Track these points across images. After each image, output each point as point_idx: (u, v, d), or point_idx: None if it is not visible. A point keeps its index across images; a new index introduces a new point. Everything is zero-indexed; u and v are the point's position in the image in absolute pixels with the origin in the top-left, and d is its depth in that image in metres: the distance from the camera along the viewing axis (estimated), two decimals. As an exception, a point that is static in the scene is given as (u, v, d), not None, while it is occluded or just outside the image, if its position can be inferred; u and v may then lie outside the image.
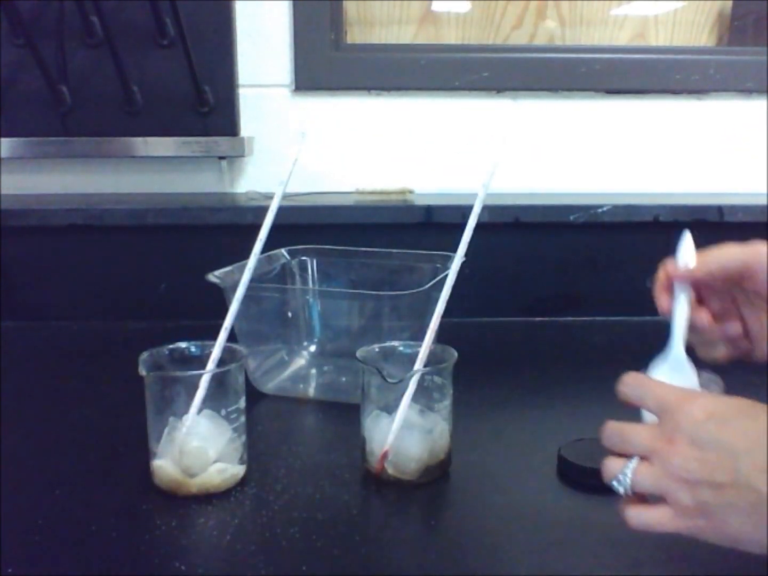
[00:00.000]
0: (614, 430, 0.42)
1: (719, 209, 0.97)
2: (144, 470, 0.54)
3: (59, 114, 1.00)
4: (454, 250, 0.58)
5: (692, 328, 0.51)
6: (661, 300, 0.52)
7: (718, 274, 0.50)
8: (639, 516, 0.41)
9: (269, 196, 0.94)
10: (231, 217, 0.96)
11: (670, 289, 0.52)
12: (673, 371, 0.50)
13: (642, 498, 0.41)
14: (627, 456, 0.41)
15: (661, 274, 0.52)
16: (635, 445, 0.41)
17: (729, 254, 0.49)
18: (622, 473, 0.40)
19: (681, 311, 0.51)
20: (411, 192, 1.07)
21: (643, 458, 0.40)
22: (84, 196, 1.07)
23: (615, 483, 0.41)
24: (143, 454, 0.54)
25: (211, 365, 0.54)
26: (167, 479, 0.52)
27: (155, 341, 0.57)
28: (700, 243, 0.81)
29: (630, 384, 0.44)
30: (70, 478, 0.55)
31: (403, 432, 0.53)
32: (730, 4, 1.21)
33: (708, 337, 0.52)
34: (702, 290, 0.52)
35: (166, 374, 0.55)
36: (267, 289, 0.71)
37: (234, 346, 0.57)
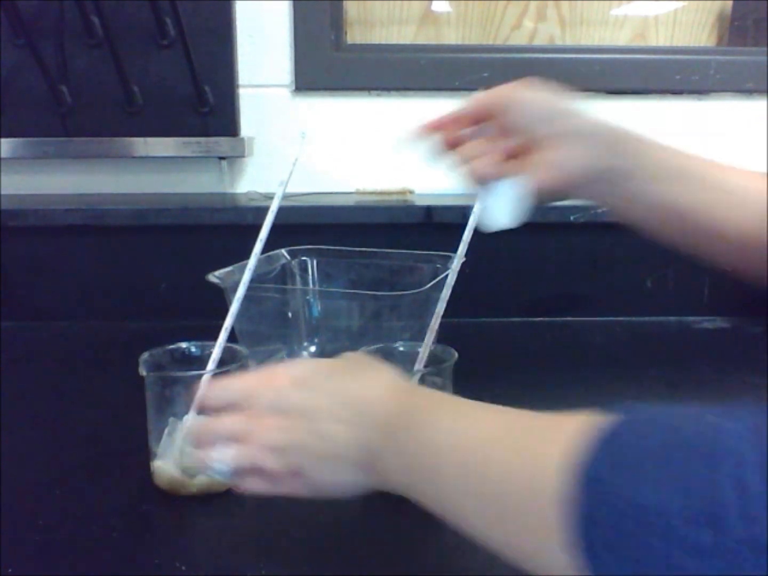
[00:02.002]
0: (201, 430, 0.44)
1: (719, 209, 0.97)
2: (144, 470, 0.54)
3: (59, 114, 1.00)
4: (454, 250, 0.58)
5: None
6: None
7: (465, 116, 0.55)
8: (246, 484, 0.43)
9: (269, 197, 0.95)
10: (231, 217, 0.96)
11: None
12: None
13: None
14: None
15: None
16: (223, 433, 0.43)
17: (476, 99, 0.54)
18: (219, 460, 0.42)
19: None
20: (411, 192, 1.07)
21: (237, 440, 0.42)
22: (84, 196, 1.07)
23: (214, 473, 0.43)
24: (143, 454, 0.54)
25: (211, 365, 0.54)
26: (167, 479, 0.52)
27: (155, 341, 0.57)
28: None
29: (213, 392, 0.46)
30: (70, 478, 0.55)
31: (403, 432, 0.53)
32: (730, 4, 1.21)
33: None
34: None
35: (166, 374, 0.55)
36: (267, 290, 0.71)
37: (235, 346, 0.57)
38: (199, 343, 0.58)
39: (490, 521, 0.32)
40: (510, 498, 0.31)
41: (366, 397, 0.40)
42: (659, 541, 0.25)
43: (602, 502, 0.27)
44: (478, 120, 0.55)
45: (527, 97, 0.52)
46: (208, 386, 0.47)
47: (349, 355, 0.45)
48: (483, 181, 0.54)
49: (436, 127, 0.56)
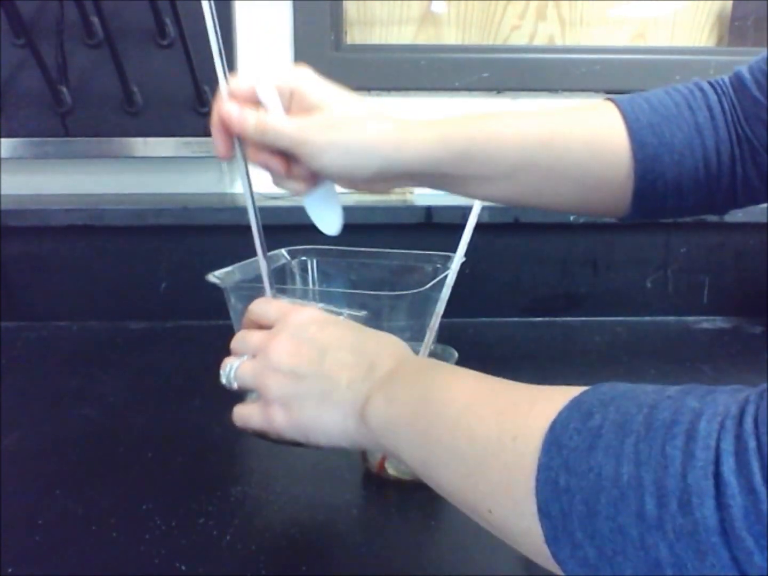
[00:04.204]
0: (239, 336, 0.46)
1: (719, 209, 0.97)
2: (144, 470, 0.54)
3: (59, 114, 1.00)
4: (454, 251, 0.58)
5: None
6: (217, 141, 0.48)
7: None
8: (238, 411, 0.45)
9: (269, 196, 0.95)
10: (231, 217, 0.96)
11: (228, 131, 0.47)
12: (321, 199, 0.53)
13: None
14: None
15: (215, 117, 0.47)
16: (249, 344, 0.45)
17: (280, 137, 0.46)
18: (229, 367, 0.44)
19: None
20: (411, 192, 1.07)
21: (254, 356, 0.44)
22: (84, 196, 1.07)
23: (222, 376, 0.45)
24: (143, 454, 0.54)
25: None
26: None
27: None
28: (700, 244, 0.79)
29: (258, 303, 0.47)
30: (70, 478, 0.55)
31: (403, 432, 0.53)
32: (730, 4, 1.21)
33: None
34: None
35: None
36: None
37: None
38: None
39: (461, 475, 0.33)
40: (487, 454, 0.31)
41: (375, 353, 0.41)
42: (621, 515, 0.25)
43: (562, 465, 0.28)
44: None
45: (333, 164, 0.46)
46: (256, 301, 0.47)
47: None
48: (300, 194, 0.52)
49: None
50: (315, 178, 0.50)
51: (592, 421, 0.28)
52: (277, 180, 0.50)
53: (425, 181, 0.50)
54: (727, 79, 0.52)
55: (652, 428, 0.26)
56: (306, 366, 0.41)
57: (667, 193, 0.50)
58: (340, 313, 0.50)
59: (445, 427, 0.34)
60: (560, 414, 0.29)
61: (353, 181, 0.49)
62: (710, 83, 0.52)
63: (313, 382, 0.41)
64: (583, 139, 0.50)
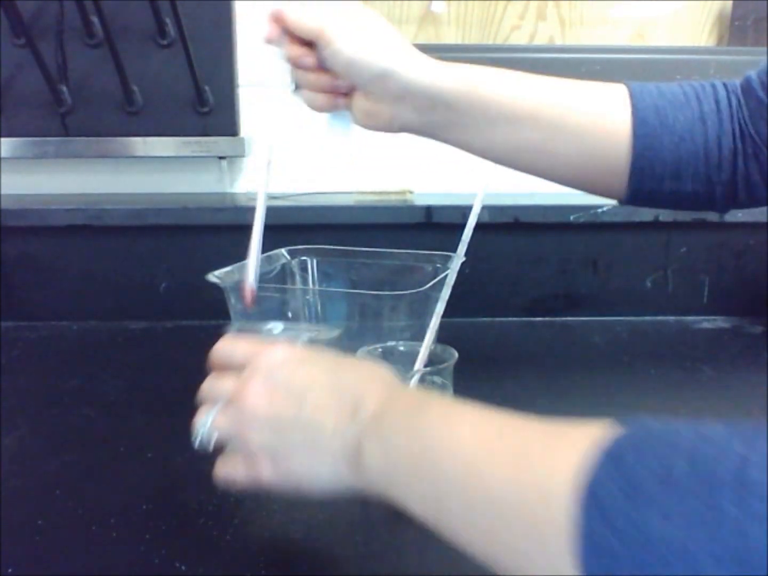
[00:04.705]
0: (206, 385, 0.43)
1: (719, 209, 0.97)
2: (144, 470, 0.54)
3: (59, 114, 1.00)
4: (454, 250, 0.58)
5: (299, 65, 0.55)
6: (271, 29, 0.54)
7: (296, 33, 0.53)
8: (221, 467, 0.41)
9: (269, 196, 0.95)
10: (231, 217, 0.96)
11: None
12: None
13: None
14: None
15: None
16: (219, 392, 0.42)
17: (305, 22, 0.52)
18: (203, 424, 0.41)
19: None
20: (411, 192, 1.07)
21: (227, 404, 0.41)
22: (84, 196, 1.07)
23: (196, 438, 0.41)
24: (143, 454, 0.54)
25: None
26: None
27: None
28: (700, 244, 0.78)
29: (220, 347, 0.44)
30: (70, 478, 0.55)
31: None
32: (730, 4, 1.21)
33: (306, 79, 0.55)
34: None
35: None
36: (267, 289, 0.71)
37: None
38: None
39: (480, 529, 0.30)
40: (509, 509, 0.29)
41: (356, 392, 0.38)
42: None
43: (606, 526, 0.25)
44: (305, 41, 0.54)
45: (345, 49, 0.51)
46: (220, 343, 0.45)
47: (348, 357, 0.44)
48: (319, 110, 0.57)
49: (276, 36, 0.55)
50: (335, 94, 0.55)
51: (630, 473, 0.25)
52: (303, 80, 0.55)
53: (425, 112, 0.53)
54: (737, 82, 0.54)
55: (699, 480, 0.24)
56: (284, 413, 0.38)
57: (665, 175, 0.51)
58: (314, 332, 0.47)
59: (454, 480, 0.31)
60: (593, 466, 0.26)
61: (359, 78, 0.52)
62: (723, 83, 0.54)
63: (296, 430, 0.38)
64: (588, 104, 0.52)
